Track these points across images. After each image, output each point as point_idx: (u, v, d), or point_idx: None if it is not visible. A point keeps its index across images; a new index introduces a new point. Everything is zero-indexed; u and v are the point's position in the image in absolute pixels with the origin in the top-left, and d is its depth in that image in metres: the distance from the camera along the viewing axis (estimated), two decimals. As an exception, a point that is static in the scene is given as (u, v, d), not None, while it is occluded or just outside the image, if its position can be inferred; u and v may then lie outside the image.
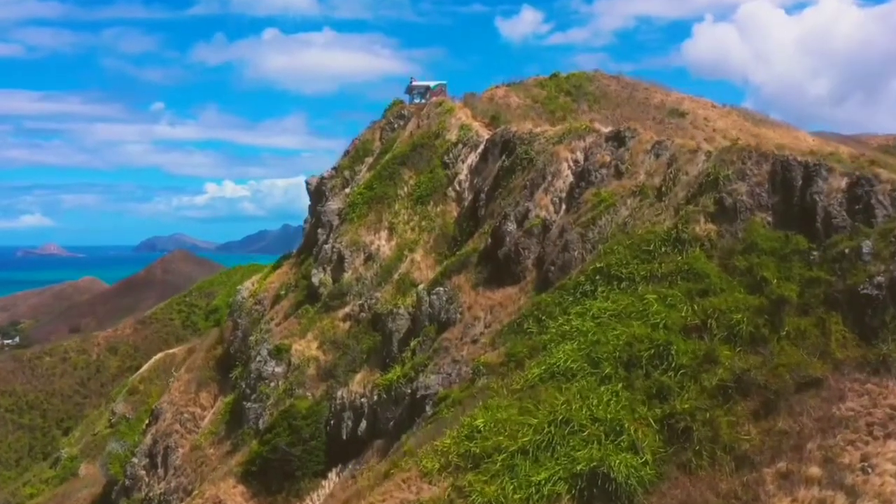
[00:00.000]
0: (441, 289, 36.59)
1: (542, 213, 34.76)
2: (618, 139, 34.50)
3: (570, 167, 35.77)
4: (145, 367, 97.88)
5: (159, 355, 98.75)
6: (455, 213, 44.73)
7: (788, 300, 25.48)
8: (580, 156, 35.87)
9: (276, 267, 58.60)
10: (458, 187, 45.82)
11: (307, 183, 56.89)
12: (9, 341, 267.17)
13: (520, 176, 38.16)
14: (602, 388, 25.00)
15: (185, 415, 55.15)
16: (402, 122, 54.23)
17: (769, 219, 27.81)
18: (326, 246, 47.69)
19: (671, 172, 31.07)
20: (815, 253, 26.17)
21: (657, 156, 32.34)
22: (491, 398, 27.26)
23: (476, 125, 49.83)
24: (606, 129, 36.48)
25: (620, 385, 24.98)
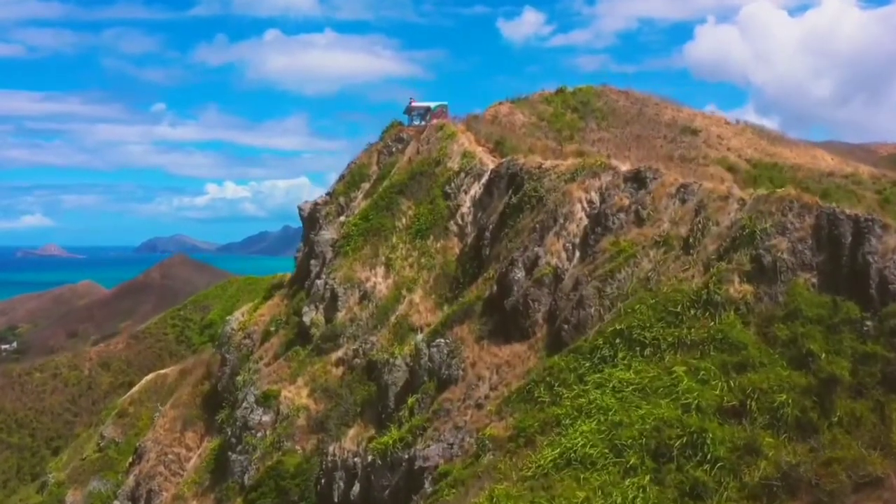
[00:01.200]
0: (442, 340, 33.35)
1: (554, 261, 31.48)
2: (637, 180, 31.21)
3: (584, 209, 32.49)
4: (135, 388, 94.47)
5: (150, 376, 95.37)
6: (457, 250, 41.44)
7: (840, 379, 22.23)
8: (595, 196, 32.58)
9: (266, 297, 55.38)
10: (460, 221, 42.54)
11: (300, 209, 53.64)
12: (6, 346, 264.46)
13: (528, 216, 34.87)
14: (627, 483, 21.77)
15: (170, 456, 51.92)
16: (400, 146, 50.91)
17: (814, 280, 24.54)
18: (319, 281, 44.45)
19: (699, 222, 27.78)
20: (868, 323, 22.93)
21: (683, 201, 29.05)
22: (498, 483, 24.06)
23: (479, 151, 46.54)
24: (624, 168, 33.19)
25: (648, 478, 21.72)
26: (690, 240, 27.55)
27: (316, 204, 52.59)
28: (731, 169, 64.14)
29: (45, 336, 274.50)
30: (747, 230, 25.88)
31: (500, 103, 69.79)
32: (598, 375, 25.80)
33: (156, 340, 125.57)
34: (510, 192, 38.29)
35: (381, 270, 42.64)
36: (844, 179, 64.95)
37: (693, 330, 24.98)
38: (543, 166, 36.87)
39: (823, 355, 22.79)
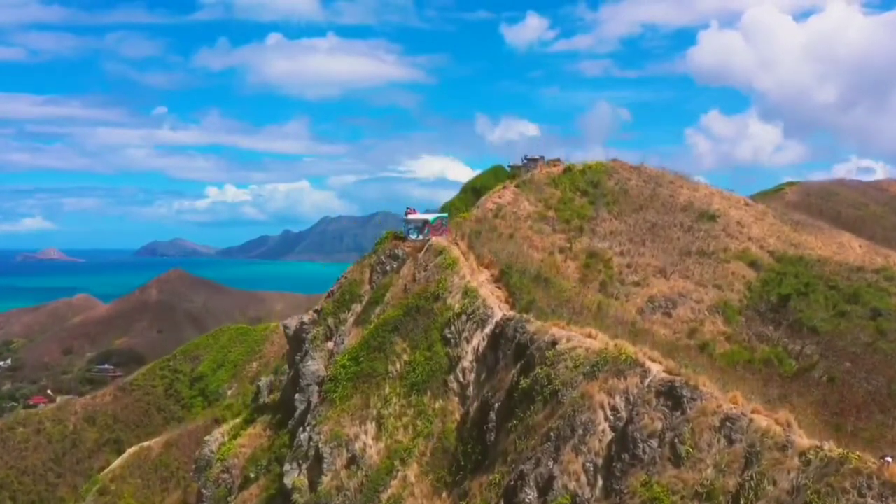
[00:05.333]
0: (440, 562, 28.61)
1: (572, 485, 26.72)
2: (672, 397, 26.43)
3: (607, 419, 27.73)
4: (117, 462, 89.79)
5: (133, 449, 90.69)
6: (457, 415, 36.64)
7: None
8: (620, 403, 27.81)
9: (248, 420, 50.57)
10: (461, 378, 37.74)
11: (285, 327, 48.96)
12: (1, 363, 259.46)
13: (541, 412, 30.08)
14: None
15: None
16: (395, 265, 46.11)
17: (902, 589, 19.77)
18: (303, 435, 39.68)
19: (751, 476, 22.98)
20: None
21: (729, 441, 24.29)
22: None
23: (483, 282, 41.74)
24: (654, 367, 28.36)
25: None
26: (742, 500, 22.76)
27: (302, 323, 47.86)
28: (753, 264, 59.42)
29: (40, 352, 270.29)
30: (815, 509, 21.09)
31: (505, 186, 65.38)
32: None
33: (144, 393, 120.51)
34: (519, 366, 33.41)
35: (371, 428, 37.83)
36: (875, 275, 60.19)
37: None
38: (558, 346, 31.93)
39: None
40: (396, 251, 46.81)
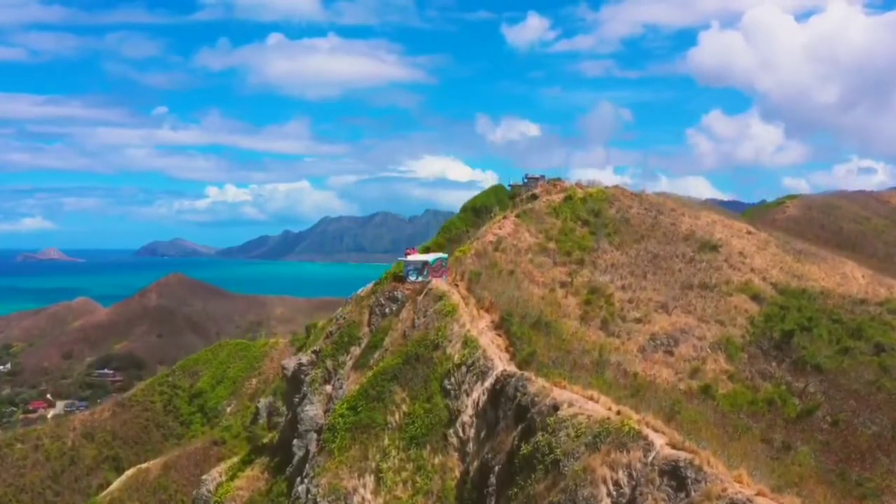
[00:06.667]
0: None
1: (574, 565, 26.19)
2: (676, 476, 25.88)
3: (609, 494, 27.19)
4: (115, 484, 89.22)
5: (131, 471, 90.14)
6: (457, 472, 36.12)
7: None
8: (623, 478, 27.27)
9: (246, 461, 50.03)
10: (461, 433, 37.21)
11: (283, 367, 48.43)
12: (0, 368, 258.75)
13: (542, 482, 29.53)
14: None
15: None
16: (394, 307, 45.55)
17: None
18: (301, 487, 39.21)
19: (757, 569, 22.48)
20: None
21: (735, 528, 23.76)
22: None
23: (483, 329, 41.19)
24: (658, 442, 27.77)
25: None
26: None
27: (301, 364, 47.35)
28: (755, 297, 58.88)
29: (40, 356, 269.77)
30: None
31: (505, 216, 65.00)
32: None
33: (143, 409, 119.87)
34: (520, 429, 32.81)
35: (370, 481, 37.33)
36: (879, 307, 59.67)
37: None
38: (559, 413, 31.33)
39: None
40: (395, 293, 46.25)
